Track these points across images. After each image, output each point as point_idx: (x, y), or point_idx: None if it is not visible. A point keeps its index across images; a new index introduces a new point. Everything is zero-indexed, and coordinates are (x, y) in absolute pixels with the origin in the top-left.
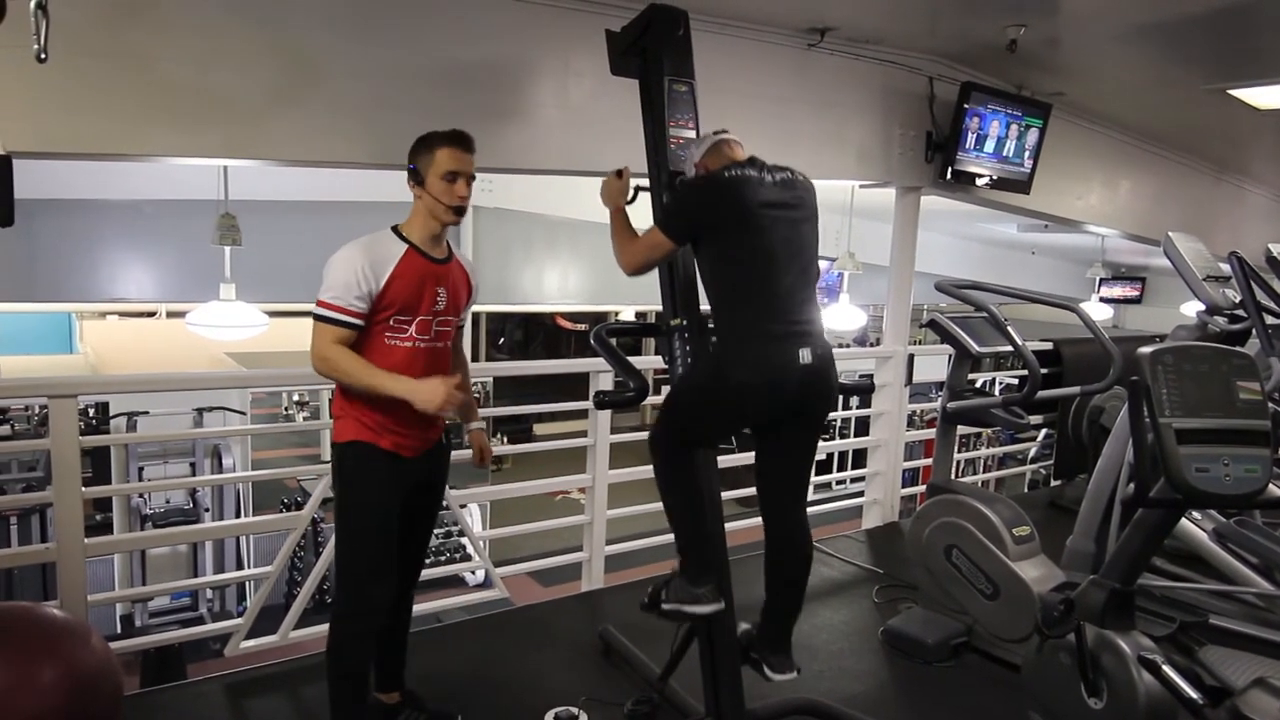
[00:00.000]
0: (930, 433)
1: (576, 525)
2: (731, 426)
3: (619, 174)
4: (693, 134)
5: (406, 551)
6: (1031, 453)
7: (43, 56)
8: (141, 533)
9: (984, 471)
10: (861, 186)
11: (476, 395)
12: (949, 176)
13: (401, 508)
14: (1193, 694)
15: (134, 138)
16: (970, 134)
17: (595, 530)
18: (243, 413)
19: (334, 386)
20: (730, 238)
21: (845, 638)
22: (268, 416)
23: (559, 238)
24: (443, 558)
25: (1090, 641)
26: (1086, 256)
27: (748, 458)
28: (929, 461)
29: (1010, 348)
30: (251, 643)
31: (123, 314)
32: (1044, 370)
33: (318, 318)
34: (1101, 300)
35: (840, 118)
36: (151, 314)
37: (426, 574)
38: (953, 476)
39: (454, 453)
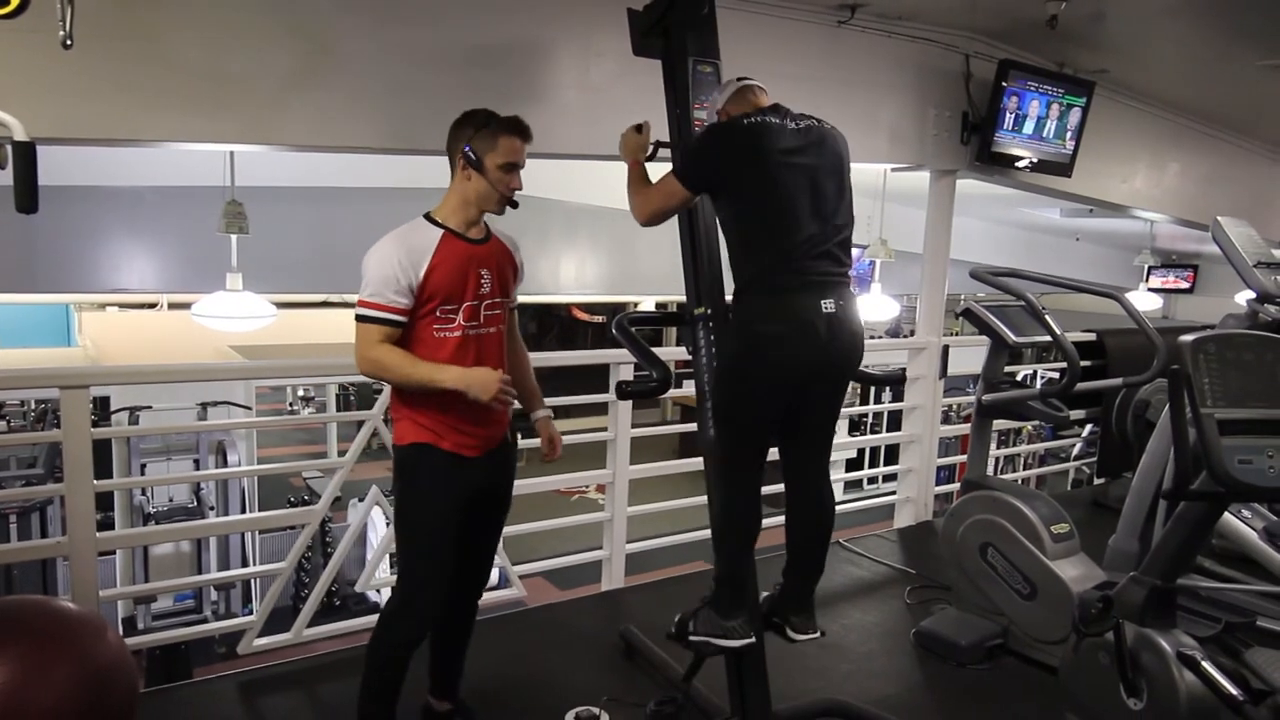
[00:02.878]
0: (966, 428)
1: (595, 525)
2: (771, 392)
3: (638, 128)
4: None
5: (470, 559)
6: (1075, 449)
7: (68, 43)
8: (153, 527)
9: (1024, 469)
10: (894, 170)
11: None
12: (986, 159)
13: (465, 513)
14: (1233, 690)
15: (151, 123)
16: (1009, 114)
17: (615, 528)
18: (248, 408)
19: (373, 384)
20: (748, 186)
21: (876, 639)
22: (272, 413)
23: (578, 225)
24: None
25: (1129, 640)
26: (1134, 243)
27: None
28: (965, 458)
29: (1049, 338)
30: (264, 641)
31: (123, 305)
32: (1087, 362)
33: (359, 318)
34: (1150, 290)
35: (871, 98)
36: (153, 305)
37: None
38: (990, 473)
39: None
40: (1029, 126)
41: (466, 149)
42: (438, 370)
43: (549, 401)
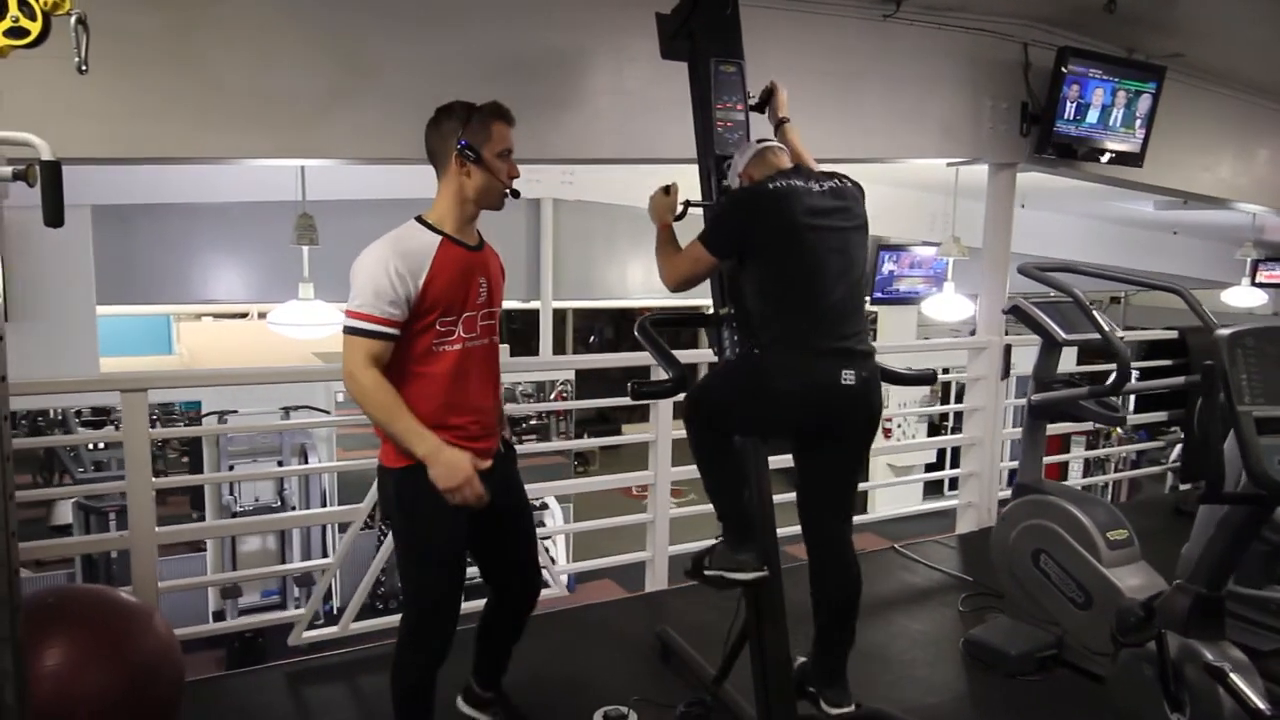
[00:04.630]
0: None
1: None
2: (762, 428)
3: (666, 190)
4: (741, 116)
5: (511, 570)
6: (1173, 453)
7: (83, 68)
8: (208, 523)
9: (1114, 471)
10: (949, 164)
11: (566, 393)
12: (1047, 150)
13: (486, 522)
14: (1261, 705)
15: (195, 141)
16: (1069, 103)
17: (658, 530)
18: (326, 411)
19: None
20: (776, 252)
21: (923, 647)
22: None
23: (644, 230)
24: None
25: (1174, 652)
26: (1236, 235)
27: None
28: (1009, 466)
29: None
30: (313, 633)
31: (217, 315)
32: (1169, 361)
33: (347, 330)
34: (1258, 284)
35: (921, 91)
36: (244, 315)
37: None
38: (1072, 477)
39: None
40: (1093, 115)
41: (462, 144)
42: (417, 436)
43: (589, 403)
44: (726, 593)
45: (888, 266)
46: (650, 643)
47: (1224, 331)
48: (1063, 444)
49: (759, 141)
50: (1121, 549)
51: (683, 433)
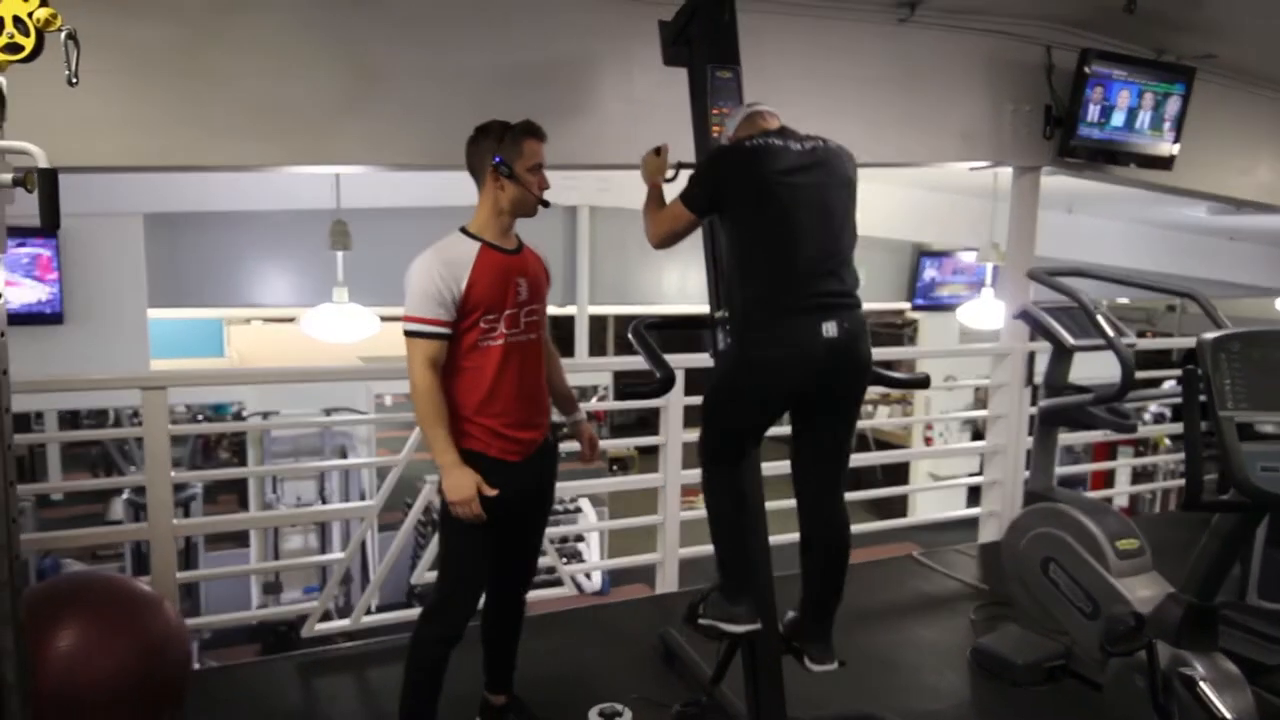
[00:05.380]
0: (1075, 437)
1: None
2: (762, 411)
3: (657, 151)
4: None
5: (517, 557)
6: None
7: (73, 81)
8: (221, 516)
9: (1163, 480)
10: (971, 169)
11: (603, 396)
12: (1071, 153)
13: (509, 512)
14: (1228, 716)
15: (210, 150)
16: (1093, 105)
17: (668, 532)
18: (362, 412)
19: None
20: (748, 208)
21: (930, 654)
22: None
23: None
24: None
25: (1164, 662)
26: None
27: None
28: (1068, 470)
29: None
30: (325, 626)
31: (266, 319)
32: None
33: (407, 334)
34: None
35: (939, 96)
36: (292, 319)
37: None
38: (1119, 485)
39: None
40: (1118, 118)
41: (497, 160)
42: (442, 447)
43: (613, 405)
44: None
45: (929, 273)
46: (654, 644)
47: (1208, 336)
48: (1110, 452)
49: (748, 105)
50: (1131, 559)
51: (692, 436)
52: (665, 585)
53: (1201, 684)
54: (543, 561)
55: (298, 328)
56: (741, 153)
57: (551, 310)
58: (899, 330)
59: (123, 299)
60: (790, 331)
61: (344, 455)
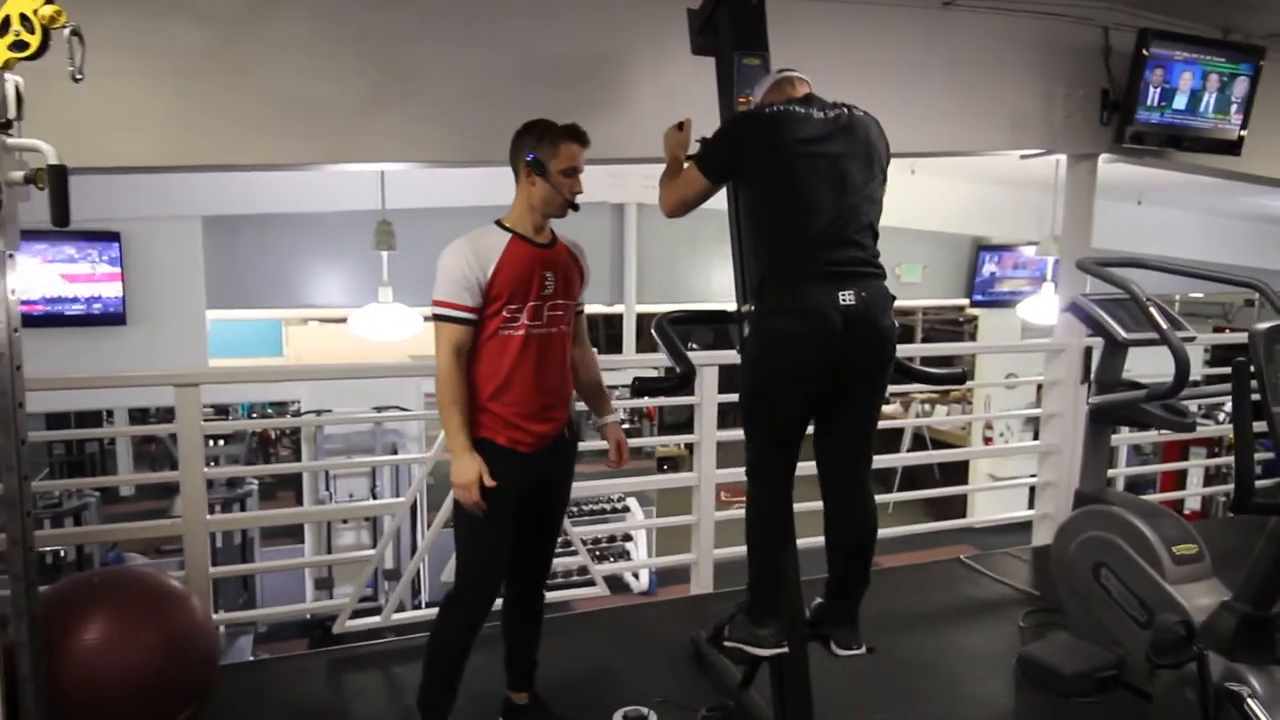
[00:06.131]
0: (1143, 437)
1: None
2: (792, 391)
3: (680, 126)
4: None
5: (530, 552)
6: None
7: (78, 76)
8: (255, 512)
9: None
10: (1023, 158)
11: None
12: (1129, 139)
13: (523, 506)
14: None
15: (245, 148)
16: (1152, 88)
17: (702, 532)
18: (407, 409)
19: None
20: (763, 175)
21: (975, 662)
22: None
23: (728, 233)
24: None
25: (1216, 676)
26: None
27: None
28: (1135, 471)
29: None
30: (357, 622)
31: (323, 320)
32: None
33: (435, 317)
34: None
35: (986, 81)
36: (344, 319)
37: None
38: (1190, 487)
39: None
40: (1180, 101)
41: (530, 156)
42: (454, 431)
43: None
44: None
45: (988, 268)
46: (685, 646)
47: (1259, 326)
48: (1181, 451)
49: (778, 71)
50: (1189, 564)
51: (726, 435)
52: (700, 586)
53: (1249, 701)
54: (575, 561)
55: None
56: (760, 119)
57: (600, 309)
58: (959, 327)
59: (182, 300)
60: (805, 300)
61: (394, 453)
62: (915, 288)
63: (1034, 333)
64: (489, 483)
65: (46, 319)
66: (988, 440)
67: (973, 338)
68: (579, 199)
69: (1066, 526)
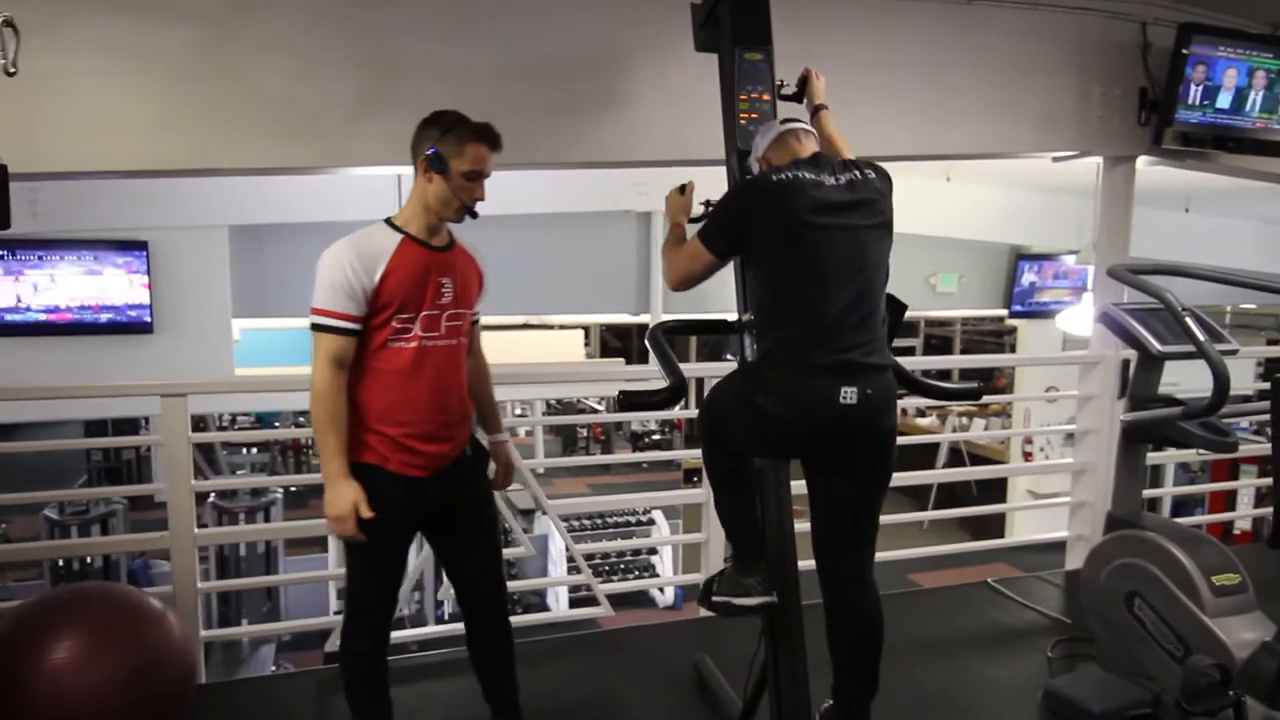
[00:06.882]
0: (1166, 456)
1: None
2: (760, 448)
3: (681, 189)
4: (768, 108)
5: (467, 576)
6: None
7: (11, 70)
8: (244, 526)
9: None
10: (1054, 160)
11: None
12: (1168, 140)
13: (431, 531)
14: None
15: (235, 152)
16: (1194, 86)
17: (712, 550)
18: None
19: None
20: (773, 253)
21: (997, 695)
22: None
23: None
24: (632, 574)
25: None
26: None
27: None
28: (1182, 491)
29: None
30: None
31: None
32: None
33: (313, 326)
34: None
35: (1014, 80)
36: None
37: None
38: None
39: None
40: (1224, 100)
41: (431, 150)
42: (330, 456)
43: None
44: None
45: (1028, 277)
46: (688, 670)
47: None
48: (1231, 470)
49: (784, 122)
50: (1230, 595)
51: None
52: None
53: None
54: (577, 578)
55: None
56: (767, 189)
57: (625, 319)
58: (998, 339)
59: (208, 308)
60: (805, 391)
61: None
62: (951, 297)
63: (1075, 345)
64: (365, 514)
65: (75, 327)
66: (1028, 456)
67: (1013, 349)
68: (479, 207)
69: (1097, 552)
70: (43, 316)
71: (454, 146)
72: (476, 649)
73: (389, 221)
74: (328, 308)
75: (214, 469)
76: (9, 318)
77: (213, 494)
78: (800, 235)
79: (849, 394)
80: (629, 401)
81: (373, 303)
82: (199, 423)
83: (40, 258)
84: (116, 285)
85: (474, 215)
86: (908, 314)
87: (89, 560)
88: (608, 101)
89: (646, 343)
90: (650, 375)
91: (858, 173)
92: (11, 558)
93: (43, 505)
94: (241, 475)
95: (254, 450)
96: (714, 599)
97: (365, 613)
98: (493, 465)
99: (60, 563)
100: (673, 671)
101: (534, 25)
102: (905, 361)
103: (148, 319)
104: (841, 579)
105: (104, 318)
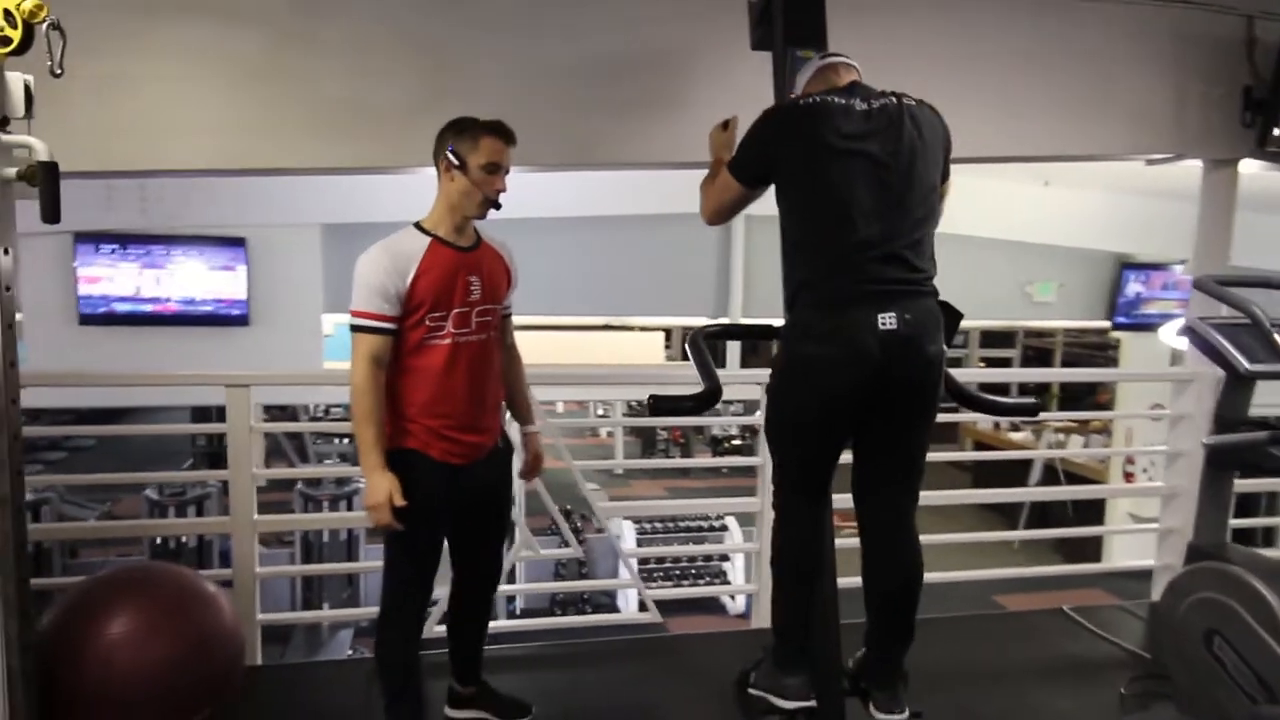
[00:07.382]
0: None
1: None
2: (820, 421)
3: (725, 125)
4: None
5: (474, 563)
6: None
7: (57, 71)
8: (308, 514)
9: None
10: (1148, 163)
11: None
12: (1273, 143)
13: (461, 519)
14: None
15: (302, 152)
16: None
17: (764, 560)
18: None
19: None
20: (797, 178)
21: None
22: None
23: None
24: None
25: None
26: None
27: None
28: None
29: None
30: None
31: None
32: None
33: (352, 328)
34: None
35: (1101, 75)
36: None
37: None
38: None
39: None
40: None
41: (450, 149)
42: (367, 449)
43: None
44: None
45: (1133, 287)
46: (734, 679)
47: None
48: None
49: (823, 55)
50: None
51: None
52: (761, 618)
53: None
54: (614, 582)
55: None
56: (792, 112)
57: (704, 322)
58: (1102, 353)
59: (301, 303)
60: (840, 324)
61: None
62: (1049, 307)
63: (1182, 360)
64: (399, 502)
65: (179, 318)
66: (1129, 477)
67: (1114, 365)
68: (502, 198)
69: (1176, 584)
70: (149, 308)
71: (469, 143)
72: (459, 621)
73: (418, 225)
74: (365, 309)
75: (302, 458)
76: (121, 309)
77: (299, 482)
78: (823, 160)
79: (887, 320)
80: (659, 406)
81: (406, 303)
82: (285, 412)
83: (148, 251)
84: (217, 279)
85: (497, 207)
86: (1003, 323)
87: (183, 539)
88: (669, 101)
89: (686, 347)
90: (727, 379)
91: (894, 99)
92: (95, 535)
93: (143, 486)
94: (326, 464)
95: (345, 441)
96: (750, 690)
97: (400, 602)
98: (520, 456)
99: (158, 540)
100: (720, 679)
101: (598, 22)
102: (973, 374)
103: (245, 312)
104: (884, 527)
105: (204, 309)
